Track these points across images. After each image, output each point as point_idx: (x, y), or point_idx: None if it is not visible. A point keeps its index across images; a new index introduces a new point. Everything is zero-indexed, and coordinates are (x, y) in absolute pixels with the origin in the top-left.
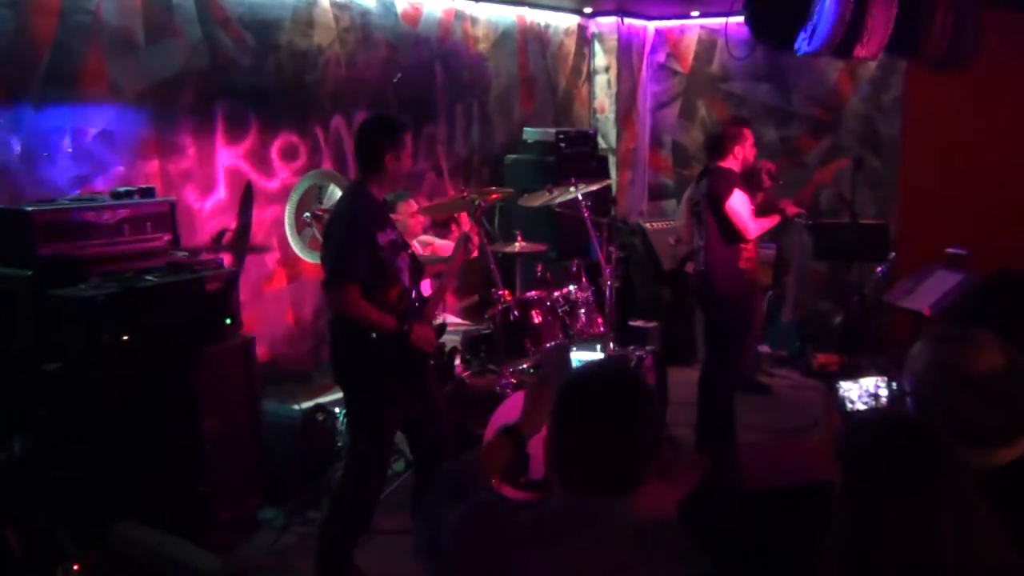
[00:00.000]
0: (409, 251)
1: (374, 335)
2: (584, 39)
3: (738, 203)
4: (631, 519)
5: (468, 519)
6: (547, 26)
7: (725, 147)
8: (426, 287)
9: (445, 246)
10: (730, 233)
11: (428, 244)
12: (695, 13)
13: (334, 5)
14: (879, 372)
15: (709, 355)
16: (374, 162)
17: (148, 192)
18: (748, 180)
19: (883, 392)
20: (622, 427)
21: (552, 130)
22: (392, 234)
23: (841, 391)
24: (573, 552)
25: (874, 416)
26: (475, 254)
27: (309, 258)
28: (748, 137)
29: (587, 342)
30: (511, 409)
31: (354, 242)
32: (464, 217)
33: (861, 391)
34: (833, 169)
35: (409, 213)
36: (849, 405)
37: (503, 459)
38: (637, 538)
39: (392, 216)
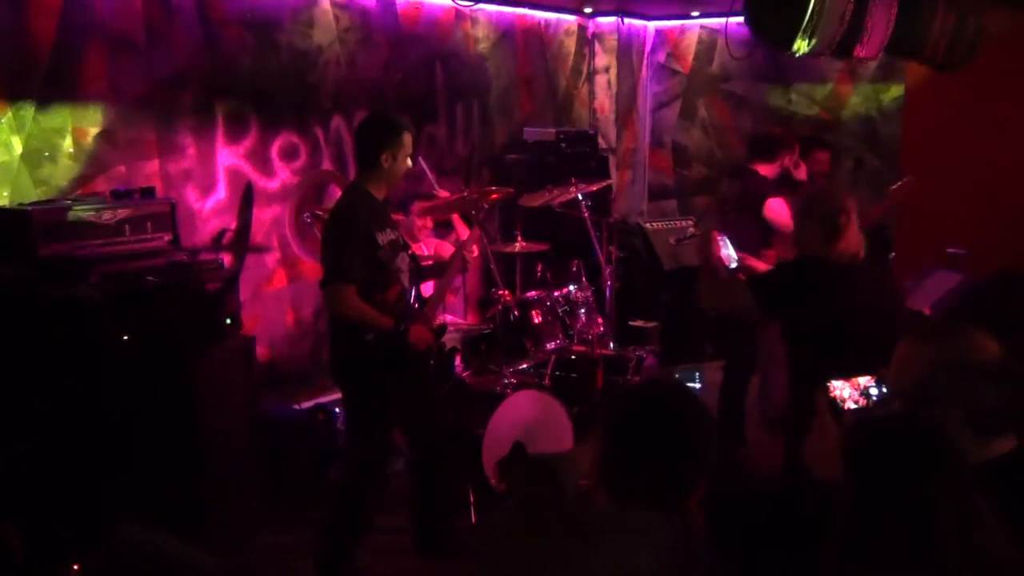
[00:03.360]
0: (409, 251)
1: (370, 335)
2: (584, 39)
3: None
4: (671, 535)
5: (512, 512)
6: (547, 26)
7: (775, 151)
8: (428, 288)
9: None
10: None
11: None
12: (695, 13)
13: (334, 5)
14: (871, 372)
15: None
16: (370, 161)
17: (148, 192)
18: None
19: (874, 391)
20: (665, 445)
21: (552, 130)
22: (392, 234)
23: (833, 391)
24: (608, 557)
25: (877, 415)
26: (475, 254)
27: (309, 258)
28: (796, 156)
29: (689, 370)
30: (511, 409)
31: (351, 242)
32: (457, 220)
33: (852, 390)
34: (906, 189)
35: (416, 213)
36: (840, 404)
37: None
38: (674, 554)
39: (401, 216)
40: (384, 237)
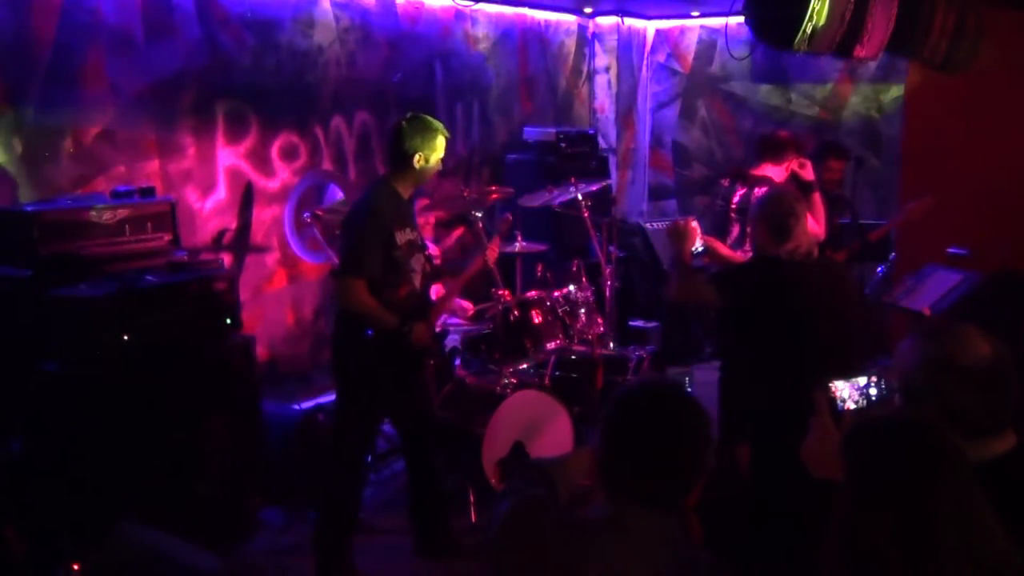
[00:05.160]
0: (425, 252)
1: (371, 331)
2: (584, 39)
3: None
4: (669, 537)
5: (512, 512)
6: (547, 26)
7: (783, 153)
8: (435, 291)
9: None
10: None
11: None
12: (695, 13)
13: (334, 5)
14: (871, 371)
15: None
16: (402, 160)
17: (148, 192)
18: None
19: (874, 391)
20: (662, 446)
21: (552, 130)
22: (411, 234)
23: (833, 390)
24: (605, 558)
25: (879, 415)
26: (491, 266)
27: (309, 258)
28: (802, 157)
29: (680, 374)
30: (511, 409)
31: (369, 237)
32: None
33: (852, 390)
34: (924, 206)
35: (417, 211)
36: (840, 404)
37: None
38: (672, 555)
39: None
40: (403, 236)
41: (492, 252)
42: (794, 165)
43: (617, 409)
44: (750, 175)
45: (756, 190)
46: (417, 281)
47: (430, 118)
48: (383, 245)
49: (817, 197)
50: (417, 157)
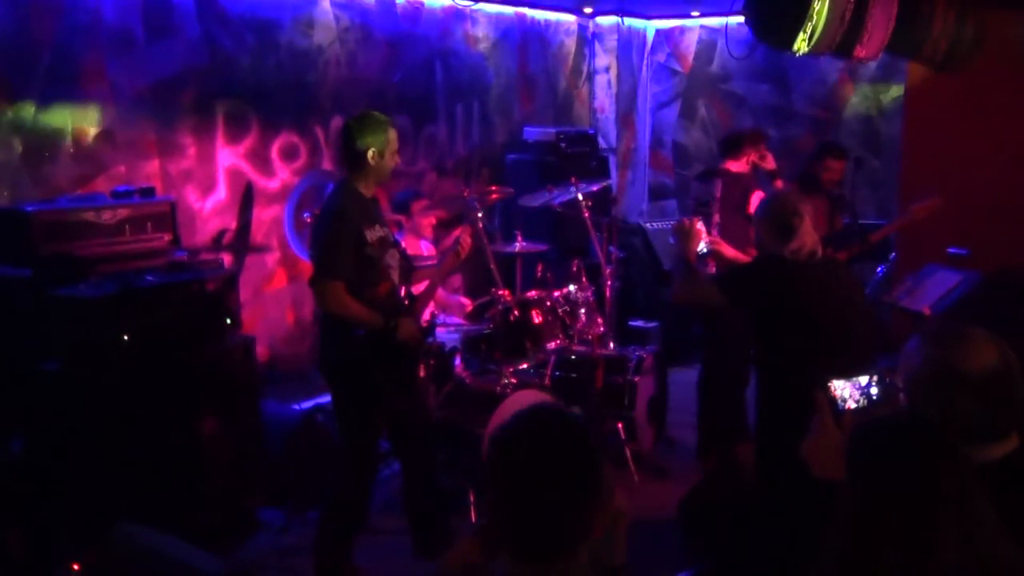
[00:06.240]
0: (399, 248)
1: (360, 332)
2: (584, 39)
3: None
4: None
5: None
6: (547, 26)
7: (740, 148)
8: (420, 286)
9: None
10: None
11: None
12: (695, 13)
13: (334, 5)
14: (873, 371)
15: (708, 357)
16: (357, 160)
17: (148, 192)
18: (808, 184)
19: (875, 391)
20: (560, 486)
21: (552, 130)
22: (381, 231)
23: (833, 390)
24: None
25: (883, 415)
26: (463, 256)
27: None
28: (762, 149)
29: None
30: (511, 409)
31: (339, 239)
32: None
33: (853, 389)
34: (929, 207)
35: (417, 211)
36: (841, 404)
37: None
38: None
39: (403, 218)
40: (373, 234)
41: (465, 240)
42: (754, 158)
43: (491, 454)
44: (709, 171)
45: (725, 182)
46: (395, 277)
47: (377, 113)
48: (354, 244)
49: (779, 185)
50: (371, 153)
